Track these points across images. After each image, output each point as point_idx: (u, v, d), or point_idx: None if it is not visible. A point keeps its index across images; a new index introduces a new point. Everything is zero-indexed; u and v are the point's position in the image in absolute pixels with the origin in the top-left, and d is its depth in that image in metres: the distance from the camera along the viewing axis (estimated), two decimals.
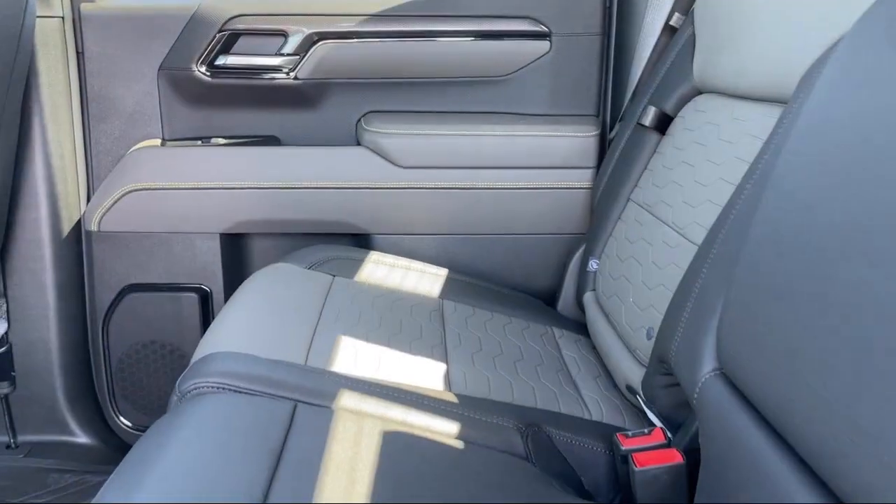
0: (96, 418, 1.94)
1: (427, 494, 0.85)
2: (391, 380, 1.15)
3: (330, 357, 1.19)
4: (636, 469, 0.96)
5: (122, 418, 1.94)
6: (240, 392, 1.05)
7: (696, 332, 0.90)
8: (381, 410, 1.05)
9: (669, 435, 1.02)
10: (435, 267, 1.74)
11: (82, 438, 1.91)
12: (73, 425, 1.91)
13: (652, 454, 0.97)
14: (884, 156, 0.60)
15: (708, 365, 0.85)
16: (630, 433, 1.04)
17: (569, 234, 1.81)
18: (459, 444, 1.00)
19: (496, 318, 1.48)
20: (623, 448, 1.01)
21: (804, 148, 0.73)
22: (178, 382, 1.10)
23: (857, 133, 0.65)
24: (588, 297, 1.56)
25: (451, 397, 1.13)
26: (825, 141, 0.70)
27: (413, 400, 1.09)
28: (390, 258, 1.74)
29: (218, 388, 1.05)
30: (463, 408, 1.11)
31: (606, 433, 1.12)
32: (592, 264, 1.59)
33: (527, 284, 1.83)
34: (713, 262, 0.97)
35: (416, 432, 1.01)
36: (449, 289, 1.63)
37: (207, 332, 1.28)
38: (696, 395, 0.86)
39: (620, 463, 1.02)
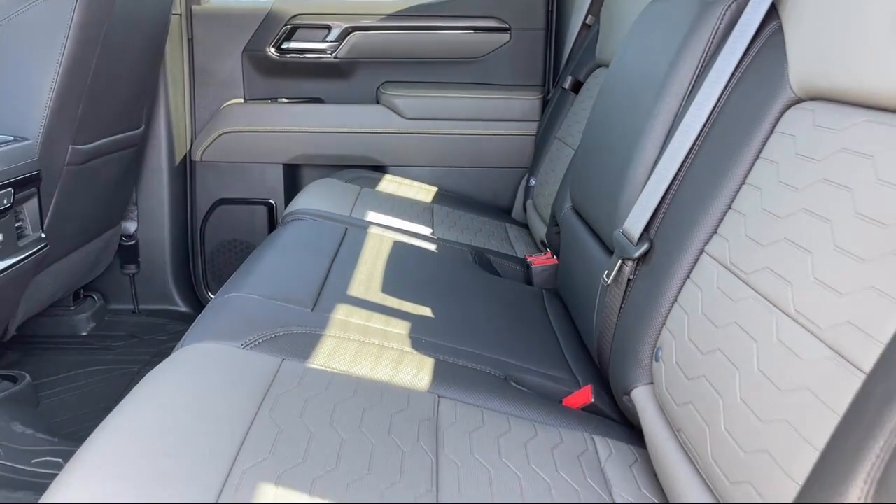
0: (193, 293, 2.78)
1: None
2: None
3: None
4: None
5: (209, 294, 2.78)
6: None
7: None
8: None
9: None
10: (428, 185, 2.59)
11: (182, 307, 2.74)
12: (177, 298, 2.74)
13: None
14: None
15: None
16: None
17: (520, 167, 2.65)
18: None
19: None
20: None
21: None
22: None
23: None
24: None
25: None
26: None
27: None
28: (398, 178, 2.58)
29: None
30: None
31: None
32: (532, 181, 2.42)
33: (493, 201, 2.67)
34: None
35: None
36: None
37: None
38: None
39: None
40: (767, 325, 0.85)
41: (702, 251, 1.08)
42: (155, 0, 2.19)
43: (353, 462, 0.92)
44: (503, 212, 2.64)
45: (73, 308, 2.50)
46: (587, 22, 2.47)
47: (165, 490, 0.79)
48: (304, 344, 1.20)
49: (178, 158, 2.67)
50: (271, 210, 2.72)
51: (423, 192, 2.51)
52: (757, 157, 1.05)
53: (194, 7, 2.65)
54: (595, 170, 1.56)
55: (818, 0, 1.02)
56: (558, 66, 2.66)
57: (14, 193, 1.60)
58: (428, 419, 1.06)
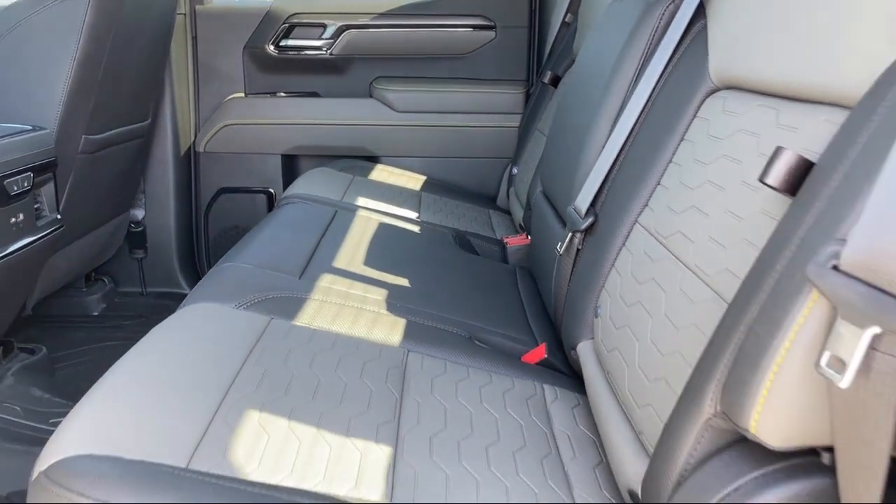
0: (197, 276, 2.94)
1: None
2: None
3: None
4: None
5: None
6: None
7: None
8: None
9: None
10: (417, 175, 2.75)
11: (187, 290, 2.90)
12: (182, 281, 2.90)
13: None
14: None
15: None
16: None
17: (504, 158, 2.80)
18: None
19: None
20: None
21: None
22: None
23: None
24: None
25: None
26: None
27: None
28: (389, 168, 2.74)
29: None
30: None
31: None
32: (514, 170, 2.58)
33: (478, 189, 2.83)
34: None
35: None
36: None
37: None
38: None
39: None
40: (673, 278, 1.01)
41: (635, 222, 1.23)
42: (161, 1, 2.35)
43: (327, 397, 1.08)
44: (489, 199, 2.79)
45: (84, 290, 2.67)
46: (566, 20, 2.62)
47: (166, 414, 0.96)
48: (291, 306, 1.36)
49: (183, 149, 2.83)
50: (270, 198, 2.89)
51: (413, 181, 2.67)
52: (682, 140, 1.20)
53: (198, 7, 2.81)
54: (557, 155, 1.72)
55: (734, 1, 1.18)
56: (540, 61, 2.81)
57: (33, 177, 1.76)
58: (396, 367, 1.22)
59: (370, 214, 2.09)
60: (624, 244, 1.24)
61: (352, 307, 1.42)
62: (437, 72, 2.89)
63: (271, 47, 2.86)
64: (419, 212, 2.29)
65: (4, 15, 1.91)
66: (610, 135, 1.41)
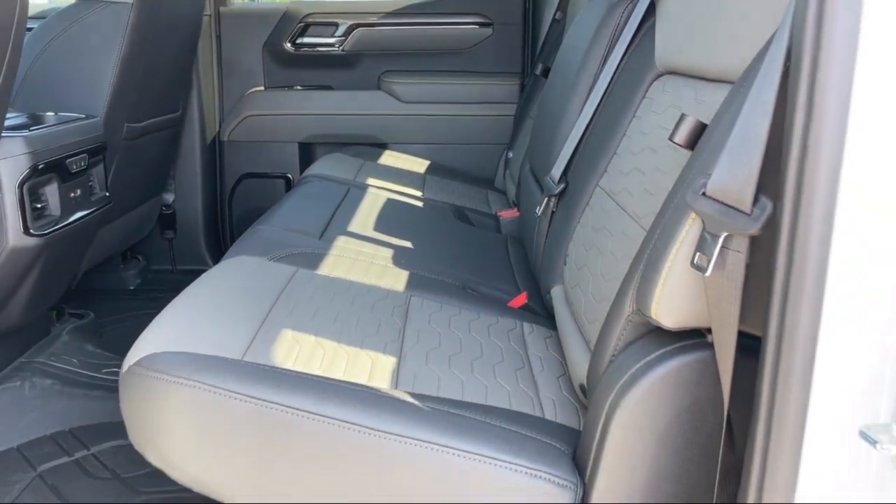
0: (222, 255, 3.20)
1: None
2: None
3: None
4: None
5: None
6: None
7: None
8: None
9: None
10: (422, 159, 3.02)
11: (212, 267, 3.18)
12: (208, 259, 3.18)
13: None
14: None
15: None
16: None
17: (501, 143, 3.06)
18: None
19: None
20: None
21: None
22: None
23: None
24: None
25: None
26: None
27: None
28: (396, 153, 3.01)
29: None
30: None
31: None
32: (510, 154, 2.84)
33: (477, 172, 3.09)
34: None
35: None
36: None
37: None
38: None
39: None
40: (618, 224, 1.28)
41: (596, 185, 1.50)
42: (190, 4, 2.63)
43: (345, 323, 1.35)
44: (487, 181, 3.05)
45: (121, 266, 2.96)
46: (556, 17, 2.87)
47: (221, 328, 1.23)
48: (313, 259, 1.63)
49: (209, 138, 3.11)
50: (288, 182, 3.16)
51: (418, 165, 2.93)
52: (633, 117, 1.46)
53: (222, 8, 3.09)
54: (538, 134, 1.98)
55: (676, 3, 1.44)
56: (534, 55, 3.07)
57: (88, 158, 2.04)
58: (401, 306, 1.49)
59: (379, 191, 2.36)
60: (587, 203, 1.51)
61: (364, 262, 1.68)
62: (439, 65, 3.16)
63: (288, 45, 3.13)
64: (423, 191, 2.56)
65: (59, 17, 2.19)
66: (579, 115, 1.67)
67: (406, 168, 2.87)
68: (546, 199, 1.66)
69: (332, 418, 1.00)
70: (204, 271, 3.19)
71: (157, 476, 1.73)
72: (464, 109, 3.09)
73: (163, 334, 1.16)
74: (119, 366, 2.16)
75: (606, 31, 1.68)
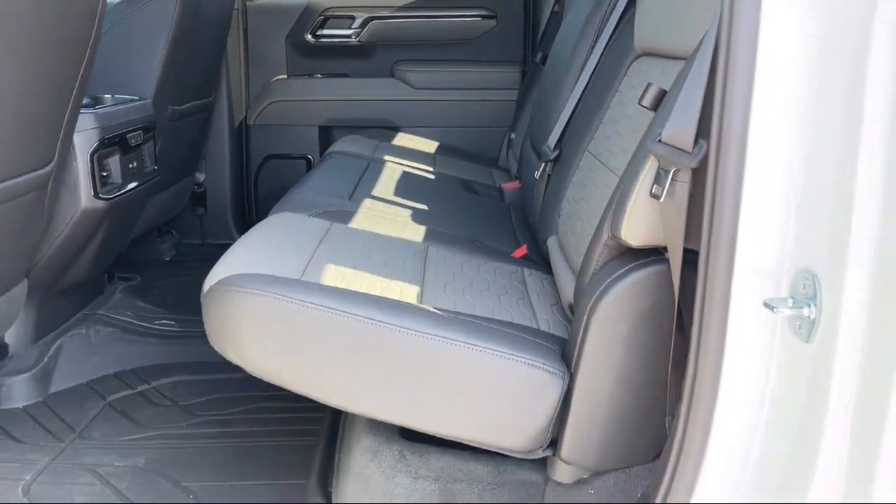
0: (248, 229, 3.50)
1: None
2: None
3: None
4: None
5: None
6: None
7: None
8: None
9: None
10: (431, 141, 3.30)
11: None
12: (235, 234, 3.46)
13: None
14: None
15: None
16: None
17: (504, 126, 3.35)
18: None
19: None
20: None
21: None
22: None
23: None
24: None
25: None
26: None
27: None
28: (408, 135, 3.30)
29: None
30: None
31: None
32: (511, 135, 3.12)
33: (483, 152, 3.37)
34: None
35: None
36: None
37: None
38: None
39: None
40: (601, 178, 1.56)
41: (585, 150, 1.78)
42: (223, 1, 2.91)
43: (376, 263, 1.63)
44: (491, 160, 3.34)
45: (158, 239, 3.24)
46: (555, 10, 3.15)
47: (279, 259, 1.50)
48: (345, 216, 1.92)
49: (237, 123, 3.39)
50: (309, 163, 3.45)
51: (428, 146, 3.22)
52: (616, 92, 1.74)
53: (249, 3, 3.37)
54: (538, 110, 2.26)
55: None
56: (534, 45, 3.35)
57: (142, 135, 2.32)
58: (420, 252, 1.77)
59: (396, 166, 2.64)
60: (578, 165, 1.79)
61: (388, 219, 1.97)
62: (447, 55, 3.44)
63: (309, 36, 3.42)
64: (433, 167, 2.84)
65: (113, 11, 2.47)
66: (572, 92, 1.95)
67: (417, 148, 3.15)
68: (543, 164, 1.94)
69: (373, 319, 1.29)
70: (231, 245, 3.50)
71: (211, 403, 2.04)
72: (470, 95, 3.37)
73: (234, 263, 1.45)
74: (167, 320, 2.46)
75: (594, 20, 1.96)
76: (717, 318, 1.04)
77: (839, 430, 0.96)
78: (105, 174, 2.14)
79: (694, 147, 1.10)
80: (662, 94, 1.31)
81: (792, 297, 0.99)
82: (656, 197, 1.16)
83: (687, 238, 1.14)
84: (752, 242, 1.01)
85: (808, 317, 0.96)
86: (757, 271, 1.02)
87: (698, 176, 1.10)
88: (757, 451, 1.07)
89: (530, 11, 3.38)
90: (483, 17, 3.40)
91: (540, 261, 1.94)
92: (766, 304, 1.00)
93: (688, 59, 1.27)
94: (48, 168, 1.81)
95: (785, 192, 1.00)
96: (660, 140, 1.16)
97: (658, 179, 1.16)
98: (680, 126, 1.13)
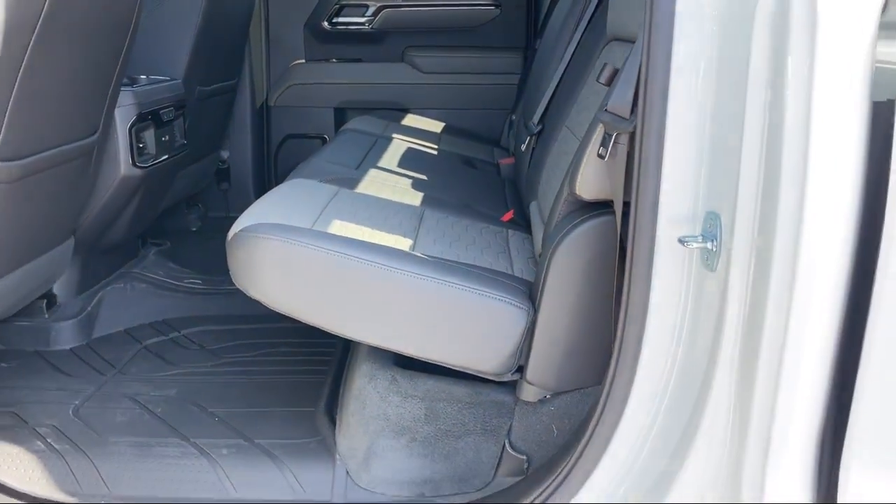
0: None
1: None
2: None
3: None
4: None
5: None
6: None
7: None
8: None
9: None
10: (438, 122, 3.54)
11: None
12: None
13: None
14: None
15: None
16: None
17: (506, 109, 3.58)
18: None
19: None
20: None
21: None
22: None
23: None
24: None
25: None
26: None
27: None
28: (416, 116, 3.55)
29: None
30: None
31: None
32: (513, 117, 3.36)
33: (486, 133, 3.61)
34: None
35: None
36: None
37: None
38: None
39: None
40: (572, 147, 1.79)
41: (563, 125, 2.02)
42: None
43: (376, 220, 1.88)
44: (494, 141, 3.58)
45: (186, 211, 3.51)
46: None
47: (295, 212, 1.76)
48: (352, 182, 2.17)
49: (258, 104, 3.65)
50: (325, 142, 3.70)
51: (435, 126, 3.46)
52: (589, 73, 1.98)
53: None
54: (529, 90, 2.50)
55: None
56: (535, 32, 3.58)
57: (174, 111, 2.59)
58: (416, 214, 2.02)
59: (401, 142, 2.89)
60: (557, 139, 2.03)
61: (390, 185, 2.22)
62: (454, 41, 3.68)
63: (326, 24, 3.67)
64: (438, 145, 3.09)
65: (149, 2, 2.73)
66: (555, 73, 2.19)
67: (424, 128, 3.39)
68: (528, 138, 2.18)
69: (370, 261, 1.54)
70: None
71: (233, 348, 2.30)
72: (475, 79, 3.61)
73: (255, 215, 1.71)
74: (195, 278, 2.73)
75: (576, 10, 2.19)
76: (644, 253, 1.28)
77: (731, 344, 1.20)
78: (141, 146, 2.41)
79: (631, 115, 1.34)
80: (615, 73, 1.55)
81: (702, 235, 1.23)
82: (601, 157, 1.40)
83: (627, 192, 1.38)
84: (670, 191, 1.25)
85: (712, 249, 1.20)
86: (675, 215, 1.26)
87: (635, 139, 1.34)
88: (677, 371, 1.31)
89: (531, 2, 3.60)
90: (488, 5, 3.64)
91: (525, 225, 2.18)
92: (679, 241, 1.24)
93: (635, 43, 1.51)
94: (94, 138, 2.08)
95: (697, 149, 1.24)
96: (606, 109, 1.40)
97: (604, 142, 1.40)
98: (620, 97, 1.37)
